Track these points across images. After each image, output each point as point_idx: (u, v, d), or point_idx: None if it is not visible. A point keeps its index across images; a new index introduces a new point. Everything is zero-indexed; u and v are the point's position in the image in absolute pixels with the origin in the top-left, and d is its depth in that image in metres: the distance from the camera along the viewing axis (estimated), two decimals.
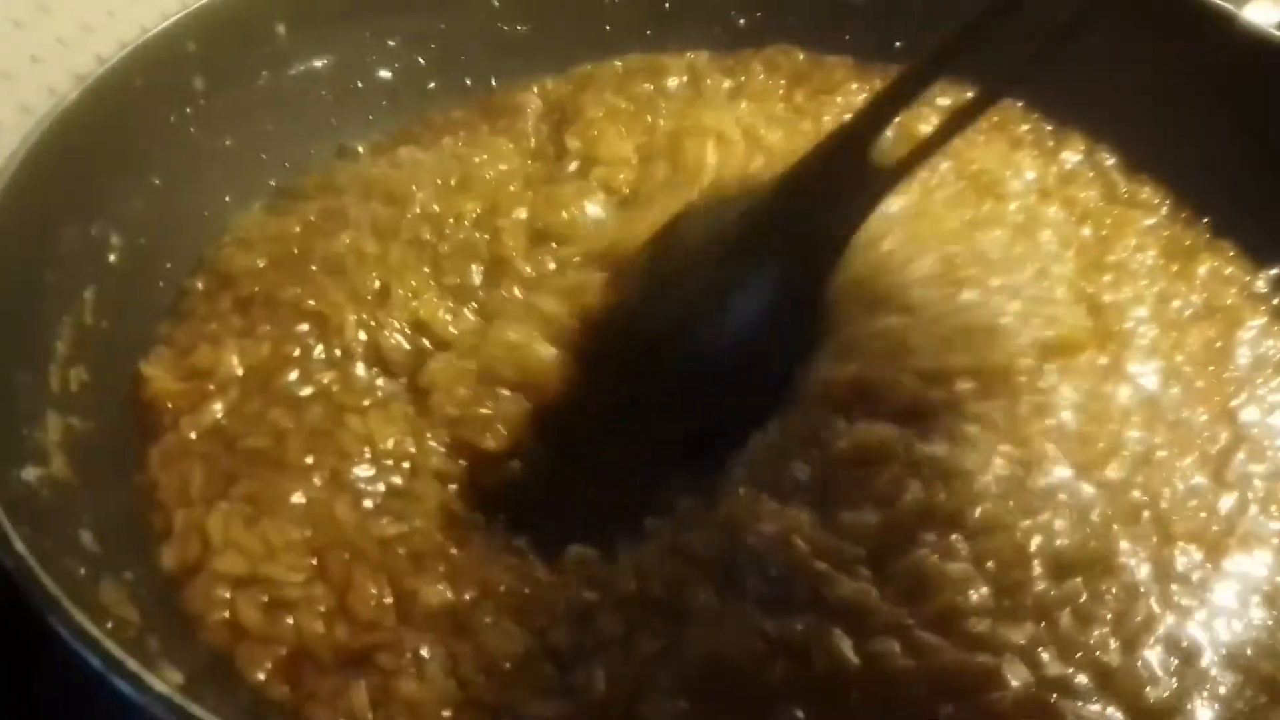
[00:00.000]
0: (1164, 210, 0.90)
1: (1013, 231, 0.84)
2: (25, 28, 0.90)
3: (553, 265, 0.82)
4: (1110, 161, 0.92)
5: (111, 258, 0.81)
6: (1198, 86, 0.87)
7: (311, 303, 0.80)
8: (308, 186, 0.91)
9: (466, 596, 0.67)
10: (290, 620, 0.66)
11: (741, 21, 1.05)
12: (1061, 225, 0.86)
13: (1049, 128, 0.96)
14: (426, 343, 0.78)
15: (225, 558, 0.68)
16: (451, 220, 0.85)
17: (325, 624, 0.65)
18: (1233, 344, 0.79)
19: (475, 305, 0.80)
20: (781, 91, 0.99)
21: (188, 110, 0.88)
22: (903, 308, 0.75)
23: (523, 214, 0.85)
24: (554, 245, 0.83)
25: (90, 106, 0.80)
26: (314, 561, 0.68)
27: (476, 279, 0.81)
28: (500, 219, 0.84)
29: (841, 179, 0.69)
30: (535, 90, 0.99)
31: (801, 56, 1.02)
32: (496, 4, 1.02)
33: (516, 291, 0.81)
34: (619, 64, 1.01)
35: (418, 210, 0.85)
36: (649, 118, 0.94)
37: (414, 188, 0.87)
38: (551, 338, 0.77)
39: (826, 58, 1.02)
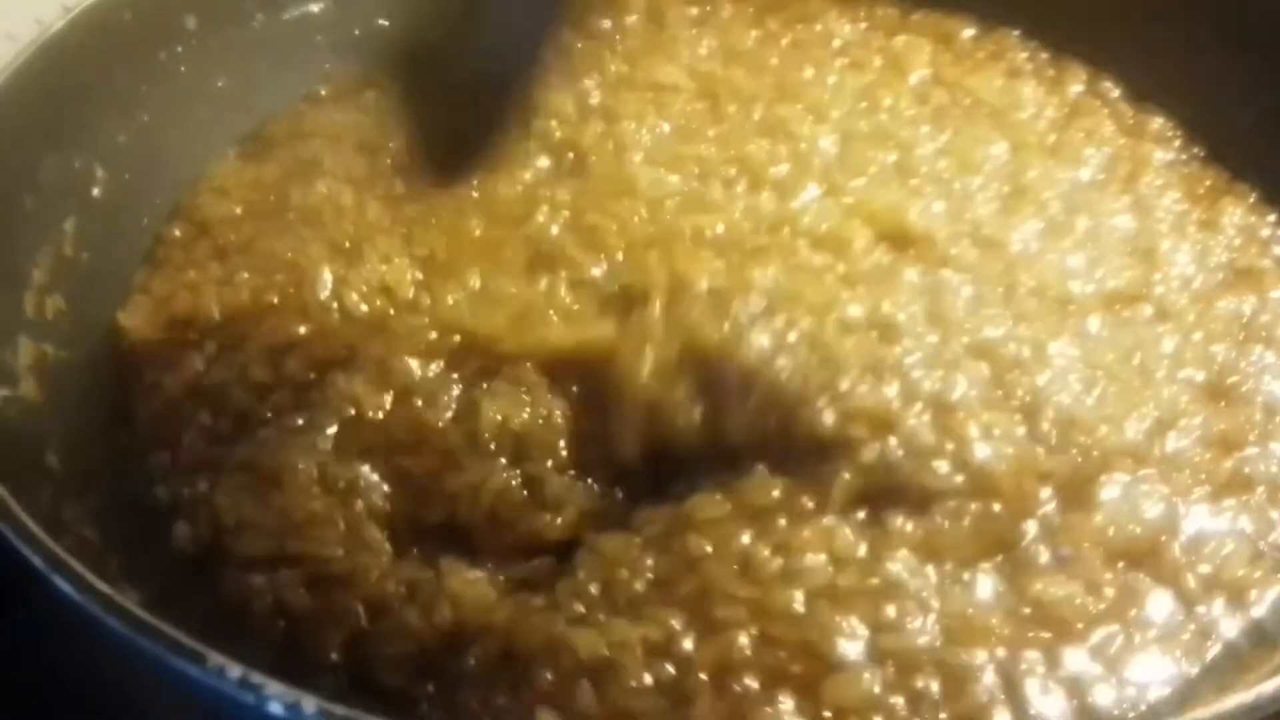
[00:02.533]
0: (1177, 143, 0.87)
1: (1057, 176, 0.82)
2: None
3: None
4: (1116, 93, 0.90)
5: (95, 191, 0.80)
6: (1198, 15, 0.85)
7: (289, 254, 0.78)
8: (277, 133, 0.90)
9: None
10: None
11: None
12: (1096, 170, 0.84)
13: (1045, 56, 0.93)
14: (389, 309, 0.76)
15: (245, 540, 0.66)
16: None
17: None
18: (1256, 328, 0.75)
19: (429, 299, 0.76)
20: (750, 17, 0.96)
21: (178, 49, 0.87)
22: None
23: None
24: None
25: (75, 38, 0.79)
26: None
27: (441, 253, 0.78)
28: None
29: None
30: None
31: None
32: None
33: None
34: None
35: (389, 162, 0.84)
36: (607, 55, 0.92)
37: (384, 136, 0.85)
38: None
39: None
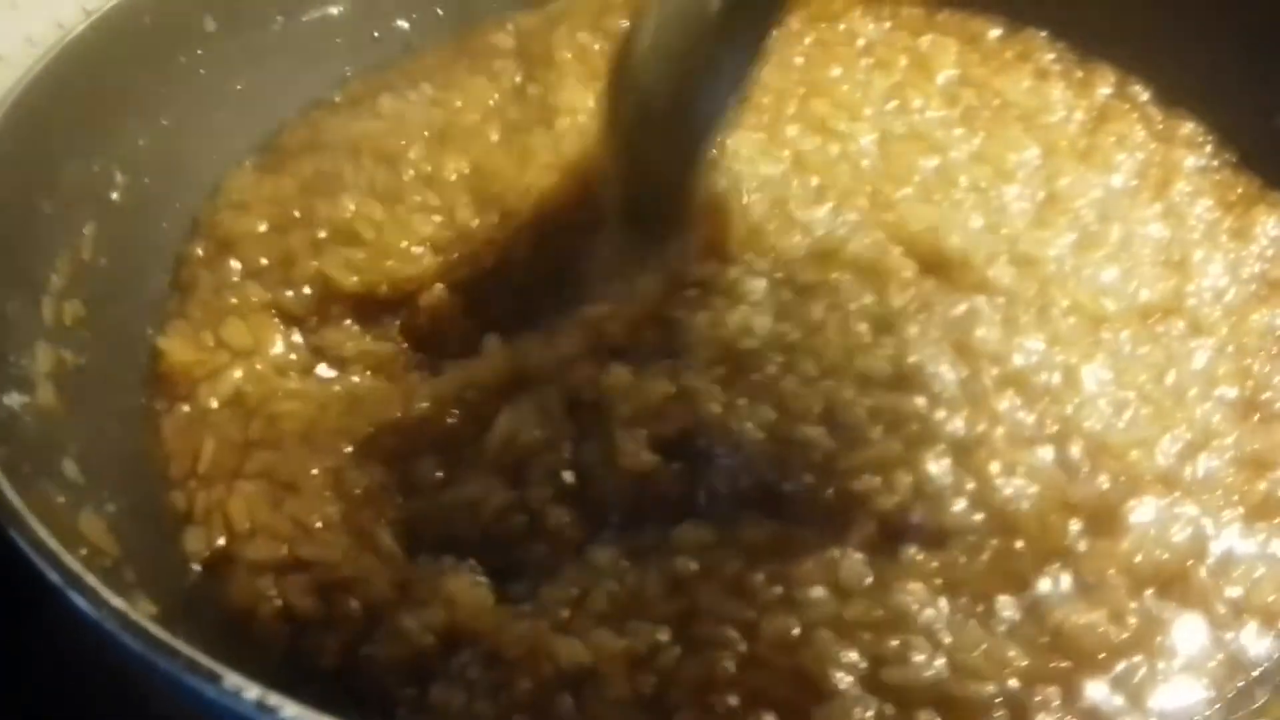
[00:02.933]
0: (1208, 149, 0.85)
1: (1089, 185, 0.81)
2: None
3: None
4: (1145, 96, 0.88)
5: (114, 196, 0.80)
6: (1228, 16, 0.84)
7: (314, 262, 0.78)
8: (293, 144, 0.89)
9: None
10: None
11: None
12: (1128, 176, 0.83)
13: (1073, 57, 0.91)
14: None
15: (256, 544, 0.66)
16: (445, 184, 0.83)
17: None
18: None
19: None
20: None
21: (198, 52, 0.87)
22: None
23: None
24: None
25: (96, 41, 0.79)
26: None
27: None
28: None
29: None
30: (510, 28, 0.96)
31: None
32: None
33: None
34: None
35: (412, 173, 0.83)
36: None
37: (404, 143, 0.85)
38: None
39: None
